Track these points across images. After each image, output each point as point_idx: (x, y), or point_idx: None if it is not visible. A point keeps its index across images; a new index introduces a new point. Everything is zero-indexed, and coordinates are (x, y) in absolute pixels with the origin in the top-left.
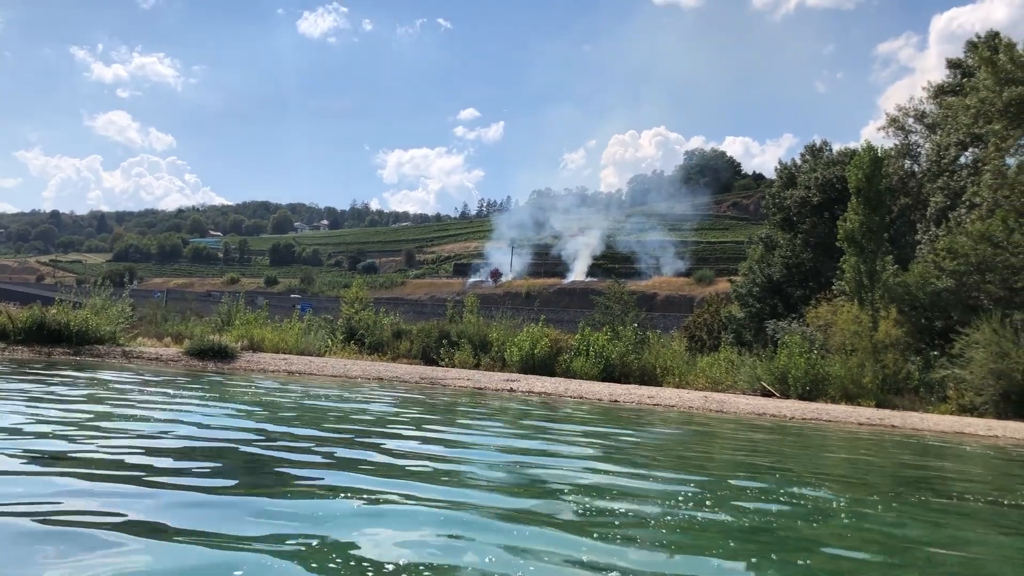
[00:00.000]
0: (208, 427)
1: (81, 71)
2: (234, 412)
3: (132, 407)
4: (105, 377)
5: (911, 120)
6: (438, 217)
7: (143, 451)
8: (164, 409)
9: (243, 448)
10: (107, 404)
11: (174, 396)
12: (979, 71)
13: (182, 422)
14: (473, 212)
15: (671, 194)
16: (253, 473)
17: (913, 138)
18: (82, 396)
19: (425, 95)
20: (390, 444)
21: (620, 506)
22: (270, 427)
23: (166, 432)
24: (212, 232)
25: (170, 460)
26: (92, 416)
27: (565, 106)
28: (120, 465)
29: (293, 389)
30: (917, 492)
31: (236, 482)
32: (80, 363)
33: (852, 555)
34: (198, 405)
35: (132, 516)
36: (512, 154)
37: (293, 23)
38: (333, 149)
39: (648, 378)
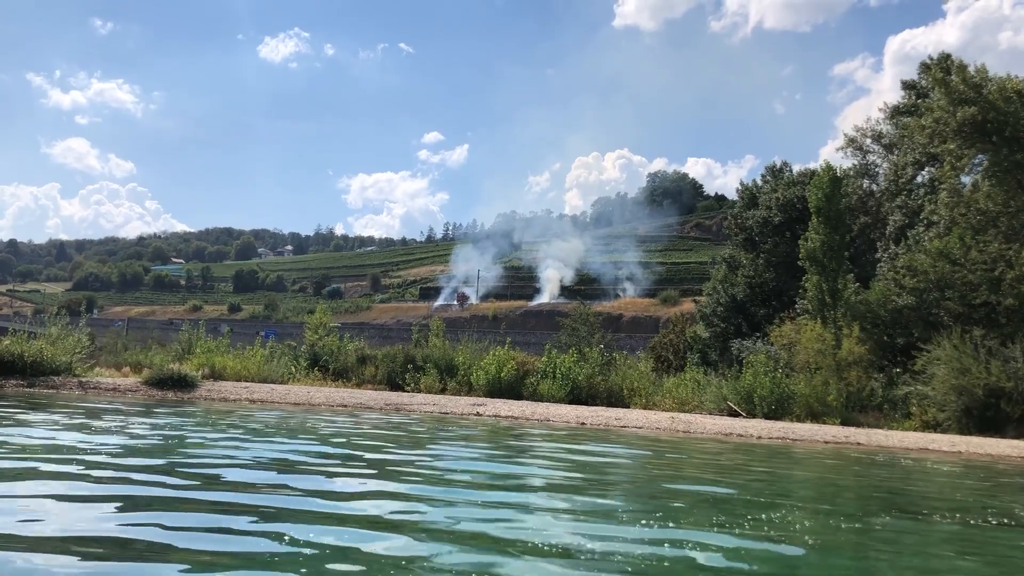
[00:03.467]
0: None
1: (38, 97)
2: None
3: None
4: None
5: (869, 140)
6: (403, 241)
7: None
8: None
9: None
10: None
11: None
12: (933, 92)
13: None
14: (439, 236)
15: (635, 216)
16: None
17: (871, 158)
18: None
19: (388, 119)
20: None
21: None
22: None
23: None
24: (174, 259)
25: None
26: None
27: (529, 129)
28: None
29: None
30: (884, 512)
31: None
32: (32, 395)
33: None
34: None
35: None
36: (477, 177)
37: (254, 48)
38: (296, 174)
39: (615, 400)
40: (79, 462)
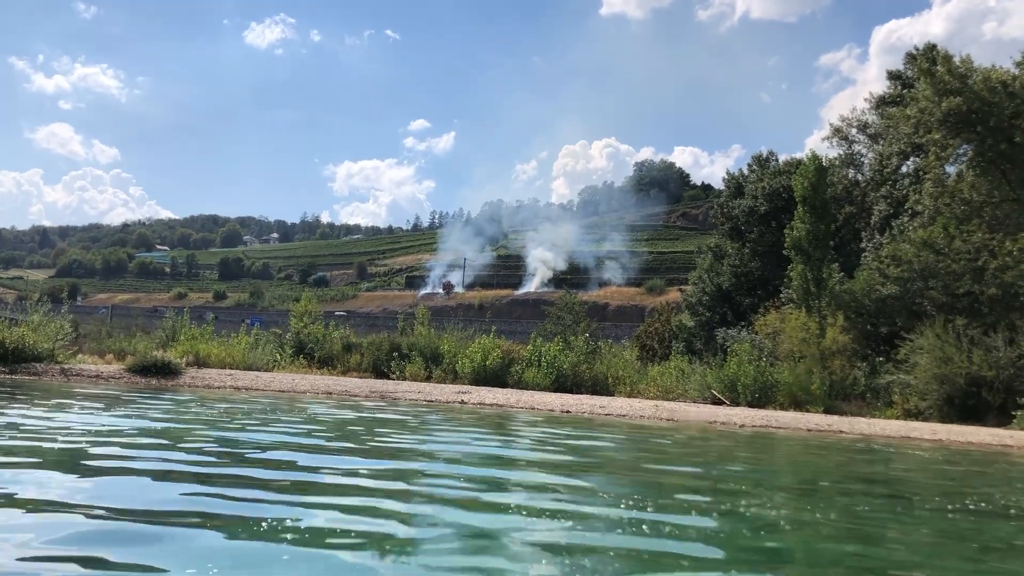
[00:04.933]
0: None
1: (21, 82)
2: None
3: None
4: None
5: (854, 130)
6: (390, 229)
7: None
8: None
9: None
10: None
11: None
12: (918, 82)
13: None
14: (425, 224)
15: (622, 205)
16: None
17: (856, 148)
18: None
19: (374, 106)
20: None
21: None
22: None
23: None
24: (159, 247)
25: None
26: None
27: (516, 117)
28: None
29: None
30: (865, 499)
31: None
32: (14, 382)
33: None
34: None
35: None
36: (463, 165)
37: (240, 34)
38: (282, 161)
39: (600, 388)
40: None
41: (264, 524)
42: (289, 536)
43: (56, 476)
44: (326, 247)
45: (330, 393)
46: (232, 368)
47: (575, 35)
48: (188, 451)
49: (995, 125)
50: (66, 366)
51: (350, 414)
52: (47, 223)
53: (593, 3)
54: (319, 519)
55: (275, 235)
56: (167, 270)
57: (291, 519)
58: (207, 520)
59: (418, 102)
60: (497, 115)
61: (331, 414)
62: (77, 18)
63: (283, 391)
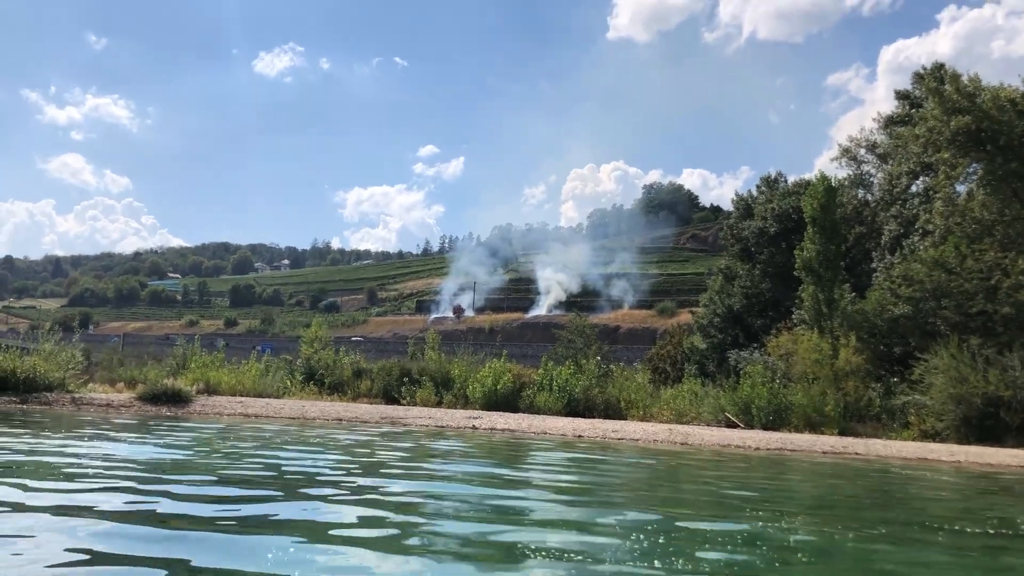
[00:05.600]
0: None
1: (34, 114)
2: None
3: None
4: None
5: (863, 150)
6: (400, 254)
7: None
8: None
9: None
10: None
11: None
12: (927, 101)
13: None
14: (435, 248)
15: (631, 227)
16: None
17: (865, 168)
18: None
19: (384, 132)
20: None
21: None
22: None
23: None
24: (171, 274)
25: None
26: None
27: (524, 141)
28: None
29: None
30: (883, 523)
31: None
32: (25, 411)
33: None
34: None
35: None
36: (472, 190)
37: (249, 63)
38: (293, 188)
39: (612, 412)
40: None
41: None
42: None
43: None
44: (336, 273)
45: (340, 420)
46: (243, 395)
47: (582, 59)
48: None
49: (1005, 144)
50: (77, 395)
51: (353, 440)
52: (60, 252)
53: (600, 27)
54: None
55: (286, 262)
56: (179, 298)
57: None
58: None
59: (427, 128)
60: (505, 140)
61: (337, 443)
62: (88, 50)
63: (293, 417)
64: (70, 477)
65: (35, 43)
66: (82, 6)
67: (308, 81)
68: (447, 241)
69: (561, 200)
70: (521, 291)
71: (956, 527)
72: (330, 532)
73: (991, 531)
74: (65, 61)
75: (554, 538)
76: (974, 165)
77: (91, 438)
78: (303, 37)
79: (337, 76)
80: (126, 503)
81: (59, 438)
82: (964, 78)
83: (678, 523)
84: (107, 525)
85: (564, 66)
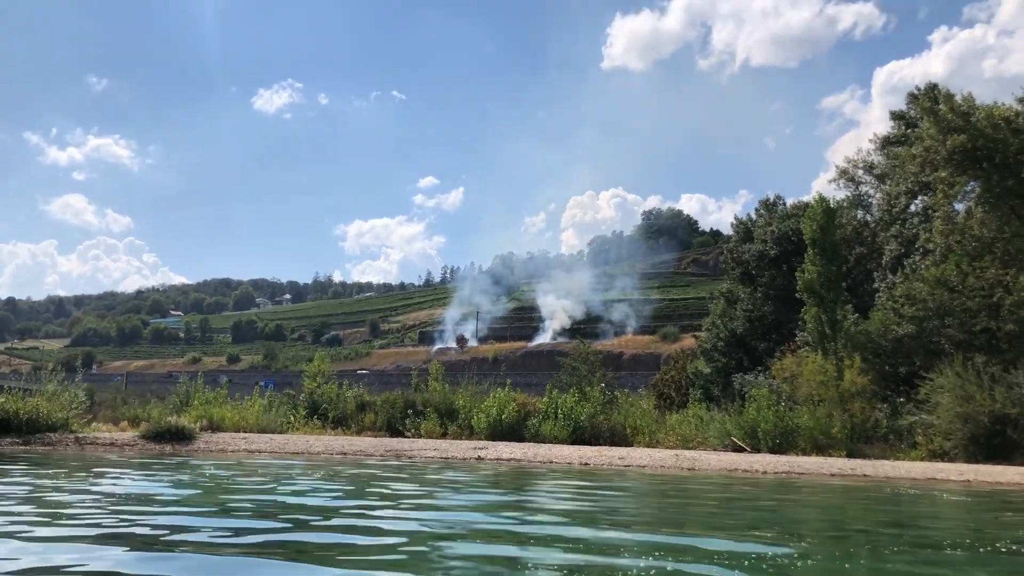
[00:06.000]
0: None
1: (35, 155)
2: None
3: None
4: None
5: (860, 171)
6: (402, 286)
7: None
8: None
9: None
10: None
11: None
12: (922, 121)
13: None
14: (437, 279)
15: (632, 253)
16: None
17: (864, 188)
18: None
19: (383, 165)
20: None
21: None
22: None
23: None
24: (173, 312)
25: None
26: None
27: (523, 170)
28: None
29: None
30: (895, 544)
31: None
32: (28, 452)
33: None
34: None
35: None
36: (473, 220)
37: (248, 100)
38: (293, 223)
39: (618, 438)
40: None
41: None
42: None
43: None
44: (338, 306)
45: (345, 454)
46: (246, 431)
47: (579, 89)
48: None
49: (1001, 162)
50: (80, 435)
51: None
52: (62, 293)
53: (595, 57)
54: None
55: (287, 296)
56: (181, 335)
57: None
58: None
59: (426, 160)
60: (504, 169)
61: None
62: (89, 91)
63: (297, 452)
64: (70, 516)
65: (36, 86)
66: (83, 49)
67: (307, 117)
68: (448, 271)
69: (561, 228)
70: (524, 319)
71: (968, 545)
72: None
73: (1002, 548)
74: (66, 103)
75: (563, 557)
76: (971, 183)
77: (96, 477)
78: (301, 73)
79: (336, 111)
80: (128, 541)
81: (63, 479)
82: (958, 97)
83: (696, 546)
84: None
85: (561, 96)
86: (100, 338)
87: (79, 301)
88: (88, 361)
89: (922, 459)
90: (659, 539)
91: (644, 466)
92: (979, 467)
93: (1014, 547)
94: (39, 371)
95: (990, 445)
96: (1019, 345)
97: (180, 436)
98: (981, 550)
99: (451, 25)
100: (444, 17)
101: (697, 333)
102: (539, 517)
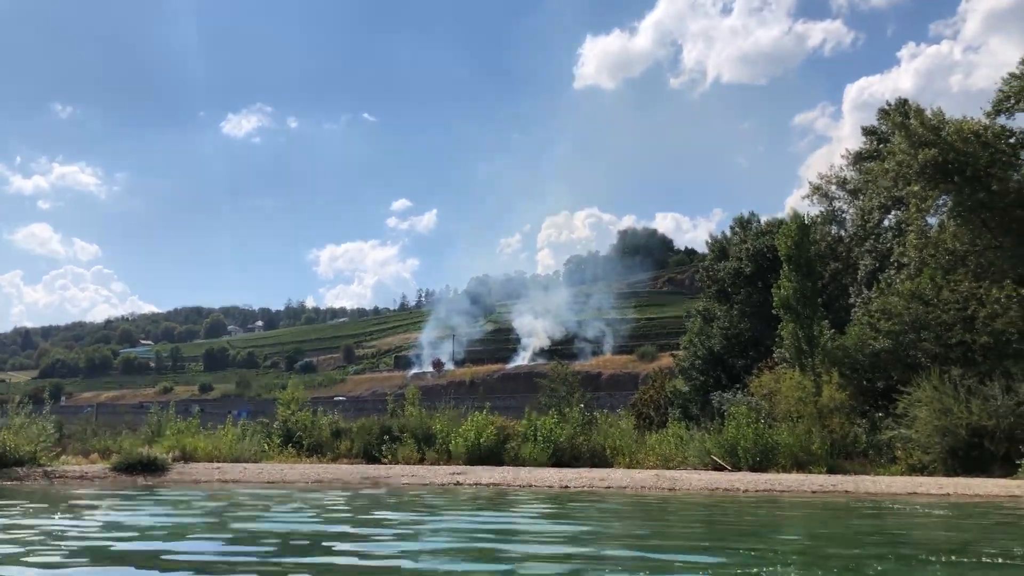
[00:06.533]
0: None
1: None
2: None
3: None
4: None
5: (833, 187)
6: (376, 310)
7: None
8: None
9: None
10: None
11: None
12: (893, 136)
13: None
14: (412, 303)
15: (607, 273)
16: None
17: (837, 204)
18: None
19: (355, 188)
20: None
21: None
22: None
23: None
24: (143, 341)
25: None
26: None
27: (497, 191)
28: None
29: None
30: (878, 560)
31: None
32: None
33: None
34: None
35: None
36: (447, 242)
37: (216, 124)
38: (264, 248)
39: (598, 460)
40: None
41: None
42: None
43: None
44: (312, 332)
45: (320, 481)
46: (220, 461)
47: (551, 108)
48: None
49: (971, 175)
50: (49, 468)
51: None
52: (28, 324)
53: (566, 76)
54: None
55: (260, 323)
56: (152, 365)
57: None
58: None
59: (398, 182)
60: (478, 190)
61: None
62: (54, 118)
63: (272, 481)
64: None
65: (0, 114)
66: (46, 76)
67: (277, 141)
68: (423, 295)
69: (537, 248)
70: (501, 341)
71: (952, 558)
72: None
73: (986, 560)
74: (30, 131)
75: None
76: (944, 197)
77: (63, 512)
78: (270, 97)
79: (306, 135)
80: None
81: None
82: (928, 112)
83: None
84: None
85: (533, 115)
86: (69, 369)
87: (46, 332)
88: (56, 393)
89: (902, 473)
90: (639, 554)
91: (625, 487)
92: (958, 480)
93: (999, 559)
94: (5, 404)
95: (968, 458)
96: (994, 357)
97: (152, 467)
98: (965, 560)
99: (421, 46)
100: (414, 38)
101: (675, 352)
102: (517, 543)
